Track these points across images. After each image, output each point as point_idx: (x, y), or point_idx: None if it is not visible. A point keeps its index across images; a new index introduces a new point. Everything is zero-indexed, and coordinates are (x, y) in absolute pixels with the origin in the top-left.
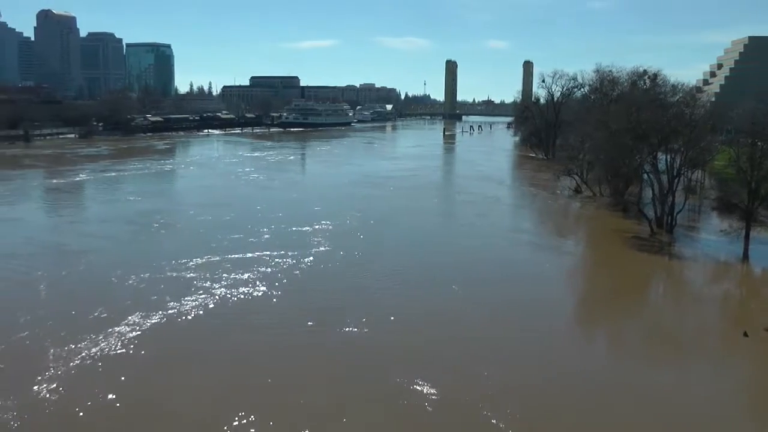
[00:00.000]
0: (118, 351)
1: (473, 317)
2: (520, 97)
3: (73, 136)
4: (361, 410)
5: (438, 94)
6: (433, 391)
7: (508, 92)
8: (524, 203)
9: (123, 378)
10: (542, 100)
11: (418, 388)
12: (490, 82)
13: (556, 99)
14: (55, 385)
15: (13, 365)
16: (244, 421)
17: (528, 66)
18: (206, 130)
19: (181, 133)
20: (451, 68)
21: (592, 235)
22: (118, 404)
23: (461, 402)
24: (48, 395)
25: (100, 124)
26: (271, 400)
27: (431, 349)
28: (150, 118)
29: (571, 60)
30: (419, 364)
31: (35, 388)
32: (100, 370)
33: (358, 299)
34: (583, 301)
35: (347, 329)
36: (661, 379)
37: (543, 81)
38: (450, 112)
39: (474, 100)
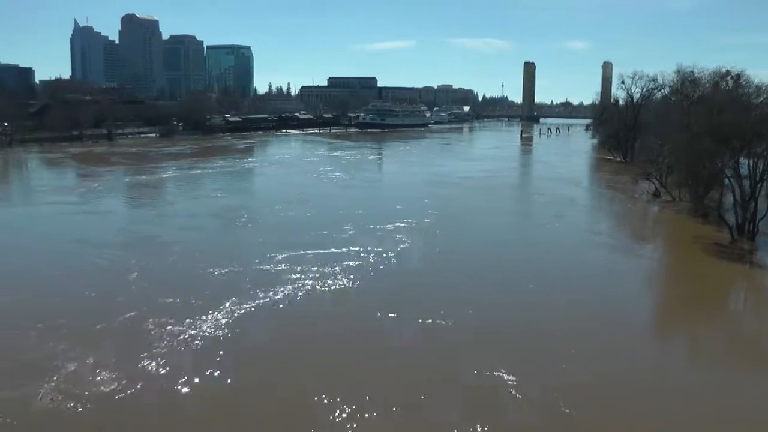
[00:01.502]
0: (214, 334)
1: (547, 315)
2: (599, 98)
3: (153, 135)
4: (443, 395)
5: (516, 96)
6: (511, 379)
7: (587, 94)
8: (601, 206)
9: (219, 358)
10: (621, 102)
11: (494, 374)
12: (569, 83)
13: (635, 100)
14: (158, 362)
15: (117, 345)
16: (338, 400)
17: (607, 67)
18: (284, 130)
19: (260, 132)
20: (529, 69)
21: (670, 240)
22: (220, 379)
23: (542, 394)
24: (153, 370)
25: (180, 123)
26: (358, 384)
27: (508, 341)
28: (229, 118)
29: (651, 60)
30: (496, 355)
31: (140, 364)
32: (198, 349)
33: (437, 293)
34: (659, 304)
35: (428, 321)
36: (745, 389)
37: (622, 82)
38: (527, 113)
39: (552, 101)
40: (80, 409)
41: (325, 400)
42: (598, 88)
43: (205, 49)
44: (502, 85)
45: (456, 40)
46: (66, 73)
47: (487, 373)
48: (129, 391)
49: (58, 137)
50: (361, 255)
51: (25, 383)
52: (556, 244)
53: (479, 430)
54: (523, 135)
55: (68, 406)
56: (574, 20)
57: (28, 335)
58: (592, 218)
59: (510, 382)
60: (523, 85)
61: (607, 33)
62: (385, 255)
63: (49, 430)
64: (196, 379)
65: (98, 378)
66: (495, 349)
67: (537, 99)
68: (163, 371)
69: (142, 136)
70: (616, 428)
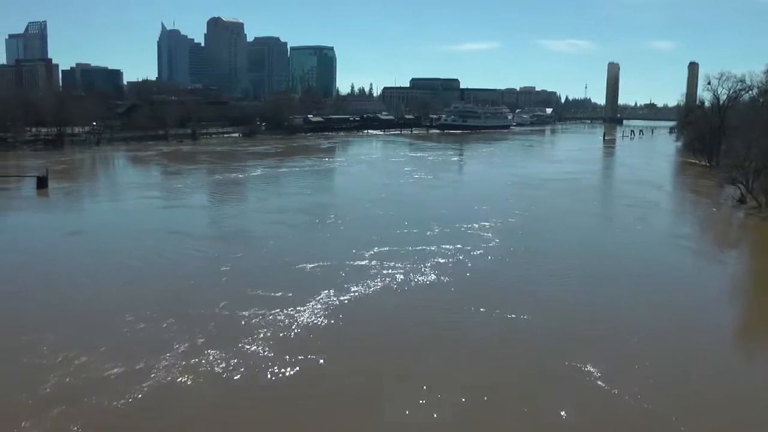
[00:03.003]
0: (311, 323)
1: (630, 315)
2: (684, 100)
3: (237, 135)
4: (533, 386)
5: (599, 98)
6: (597, 372)
7: (672, 95)
8: (684, 210)
9: (317, 344)
10: (707, 104)
11: (580, 368)
12: (653, 84)
13: (721, 102)
14: (261, 346)
15: (220, 329)
16: (435, 387)
17: (693, 67)
18: (365, 131)
19: (341, 133)
20: (612, 71)
21: (756, 247)
22: (319, 363)
23: (623, 388)
24: (256, 353)
25: (263, 123)
26: (452, 372)
27: (592, 338)
28: (311, 119)
29: (739, 61)
30: (580, 351)
31: (244, 347)
32: (296, 336)
33: (522, 289)
34: (745, 313)
35: (512, 315)
36: None
37: (708, 83)
38: (610, 116)
39: (636, 103)
40: (194, 385)
41: (424, 387)
42: (684, 90)
43: (288, 50)
44: (585, 87)
45: (540, 41)
46: (153, 74)
47: (573, 366)
48: (239, 370)
49: (144, 136)
50: (448, 252)
51: (143, 359)
52: (638, 247)
53: (567, 419)
54: (605, 137)
55: (184, 381)
56: (661, 20)
57: (139, 318)
58: (675, 222)
59: (596, 376)
60: (606, 87)
61: (693, 32)
62: (472, 252)
63: (166, 402)
64: (298, 363)
65: (208, 358)
66: (578, 345)
67: (620, 101)
68: (267, 354)
69: (226, 135)
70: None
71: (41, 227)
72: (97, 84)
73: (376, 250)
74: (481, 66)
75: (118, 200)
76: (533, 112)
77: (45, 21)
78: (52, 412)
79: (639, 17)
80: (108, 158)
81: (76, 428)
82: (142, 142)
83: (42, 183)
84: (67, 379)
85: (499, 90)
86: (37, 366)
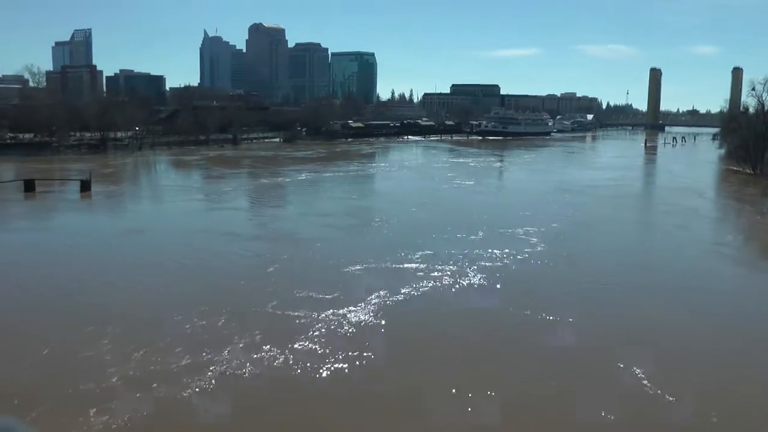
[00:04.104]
0: (361, 323)
1: (675, 322)
2: (727, 106)
3: (277, 140)
4: (591, 391)
5: (640, 104)
6: (641, 373)
7: (715, 101)
8: (726, 217)
9: (368, 344)
10: (751, 110)
11: (633, 372)
12: (696, 90)
13: (766, 108)
14: (314, 343)
15: (274, 327)
16: (493, 390)
17: (737, 73)
18: (405, 137)
19: (382, 138)
20: (655, 76)
21: None
22: (371, 361)
23: (677, 393)
24: (312, 350)
25: (303, 129)
26: (508, 375)
27: (641, 344)
28: (351, 124)
29: None
30: (630, 356)
31: (298, 344)
32: (348, 335)
33: (568, 294)
34: None
35: (557, 318)
36: None
37: (752, 89)
38: (652, 122)
39: (678, 109)
40: (251, 378)
41: (477, 389)
42: (727, 96)
43: (329, 55)
44: (627, 93)
45: (581, 46)
46: (195, 80)
47: (627, 369)
48: (297, 365)
49: (185, 141)
50: (494, 256)
51: (204, 353)
52: (680, 254)
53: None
54: (647, 144)
55: (243, 374)
56: (703, 24)
57: (196, 315)
58: (716, 230)
59: (652, 381)
60: (648, 93)
61: (737, 37)
62: (517, 257)
63: (226, 395)
64: (351, 361)
65: (265, 354)
66: (628, 350)
67: (662, 107)
68: (321, 351)
69: (266, 140)
70: None
71: (92, 228)
72: (140, 90)
73: (422, 253)
74: (522, 72)
75: (165, 203)
76: (574, 118)
77: (90, 28)
78: (119, 399)
79: (681, 21)
80: (150, 162)
81: (145, 413)
82: (183, 147)
83: (85, 186)
84: (131, 371)
85: (540, 96)
86: (102, 357)
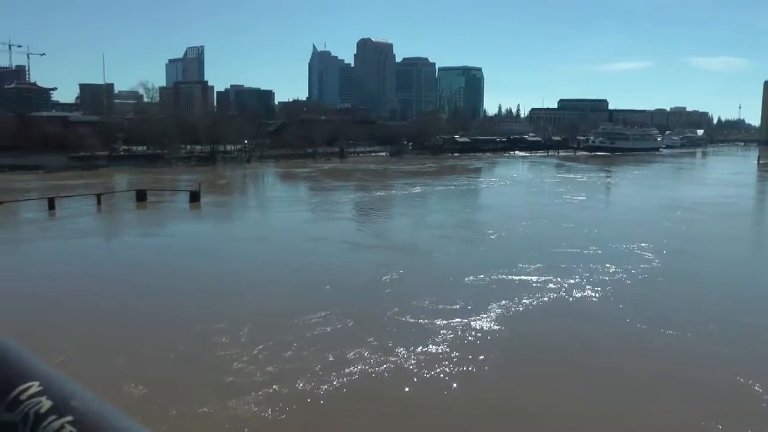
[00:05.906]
0: (485, 331)
1: None
2: None
3: (384, 154)
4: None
5: (754, 119)
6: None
7: None
8: None
9: (493, 355)
10: None
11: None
12: None
13: None
14: (441, 350)
15: (400, 333)
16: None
17: None
18: (512, 152)
19: (488, 153)
20: None
21: None
22: (497, 370)
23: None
24: (438, 355)
25: (410, 143)
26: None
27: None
28: (458, 139)
29: None
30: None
31: (424, 349)
32: (472, 344)
33: (681, 307)
34: None
35: (670, 331)
36: None
37: None
38: (766, 138)
39: None
40: (385, 379)
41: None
42: None
43: (436, 70)
44: (739, 107)
45: (693, 59)
46: (303, 94)
47: (734, 380)
48: (426, 369)
49: (293, 154)
50: (608, 271)
51: (334, 355)
52: None
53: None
54: (760, 161)
55: (375, 378)
56: None
57: (324, 318)
58: None
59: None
60: (762, 107)
61: None
62: (631, 271)
63: (363, 392)
64: (480, 366)
65: (395, 358)
66: (737, 363)
67: None
68: (447, 358)
69: (372, 154)
70: None
71: (210, 235)
72: (250, 104)
73: (537, 266)
74: (631, 86)
75: (281, 212)
76: (683, 133)
77: (202, 46)
78: (256, 394)
79: None
80: (259, 174)
81: (282, 404)
82: (290, 160)
83: (195, 197)
84: (269, 367)
85: (648, 111)
86: (235, 354)
